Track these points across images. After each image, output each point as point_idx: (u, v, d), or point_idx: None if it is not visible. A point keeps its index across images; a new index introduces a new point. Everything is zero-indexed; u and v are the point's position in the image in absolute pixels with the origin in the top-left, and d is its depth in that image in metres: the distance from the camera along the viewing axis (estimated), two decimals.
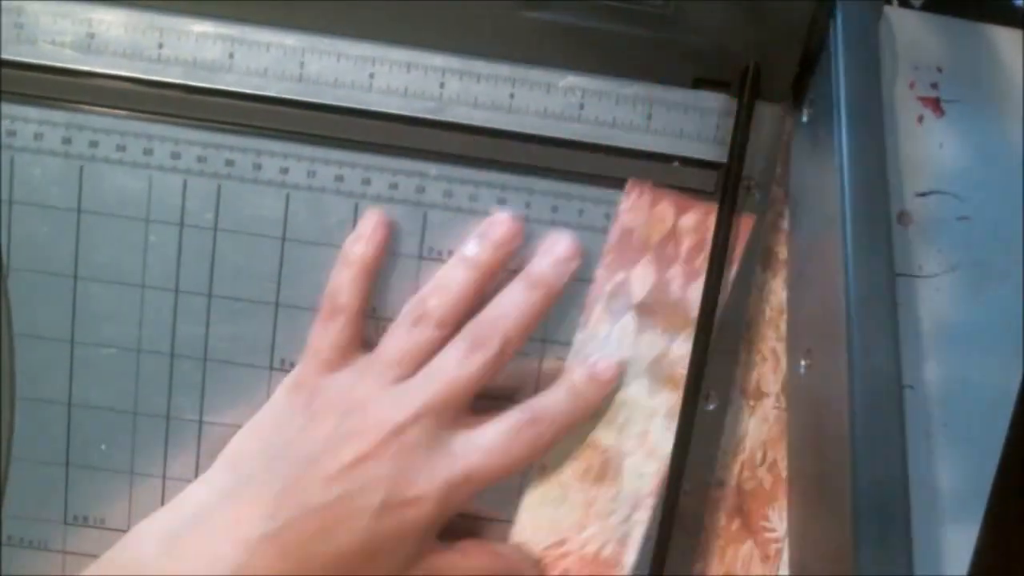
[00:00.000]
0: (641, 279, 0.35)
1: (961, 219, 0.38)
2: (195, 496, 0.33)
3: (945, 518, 0.40)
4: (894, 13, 0.36)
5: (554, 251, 0.34)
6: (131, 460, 0.36)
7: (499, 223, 0.33)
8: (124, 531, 0.33)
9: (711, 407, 0.36)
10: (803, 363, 0.31)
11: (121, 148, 0.34)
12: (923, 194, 0.37)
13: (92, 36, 0.33)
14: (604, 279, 0.35)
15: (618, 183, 0.35)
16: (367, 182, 0.34)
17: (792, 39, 0.33)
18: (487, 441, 0.32)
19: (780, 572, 0.39)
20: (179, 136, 0.34)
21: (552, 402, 0.33)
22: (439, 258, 0.35)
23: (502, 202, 0.35)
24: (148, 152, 0.34)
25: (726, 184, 0.34)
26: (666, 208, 0.34)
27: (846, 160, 0.29)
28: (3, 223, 0.34)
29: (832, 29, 0.32)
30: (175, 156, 0.34)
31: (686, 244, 0.34)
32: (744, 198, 0.35)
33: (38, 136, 0.34)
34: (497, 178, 0.35)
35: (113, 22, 0.33)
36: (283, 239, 0.35)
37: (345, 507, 0.30)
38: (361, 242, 0.33)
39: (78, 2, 0.33)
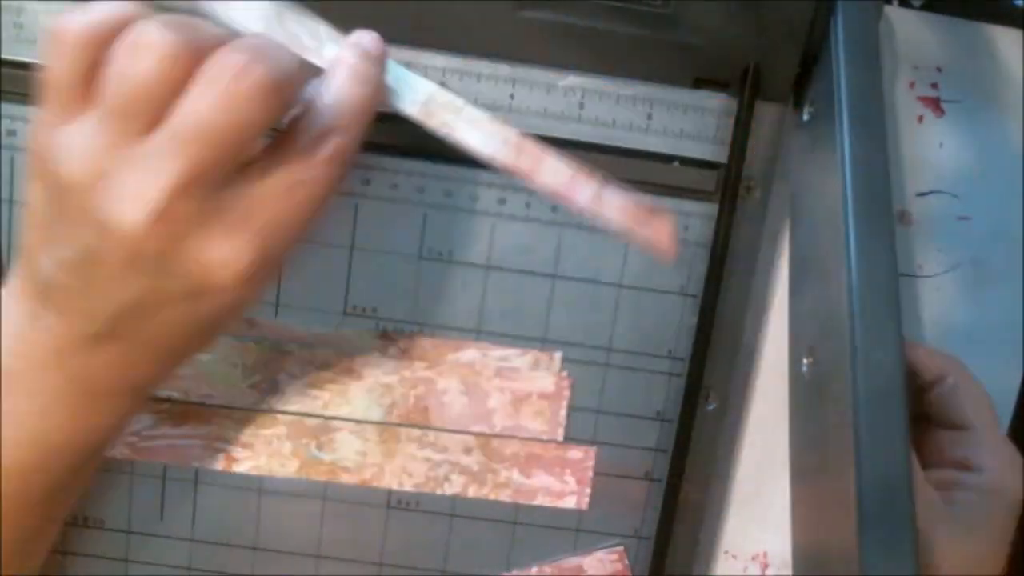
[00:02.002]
0: None
1: (961, 219, 0.38)
2: (17, 292, 0.27)
3: None
4: (894, 13, 0.36)
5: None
6: (131, 461, 0.36)
7: None
8: (124, 531, 0.33)
9: (711, 407, 0.36)
10: (805, 362, 0.31)
11: None
12: (923, 194, 0.38)
13: None
14: None
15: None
16: (367, 182, 0.34)
17: (792, 39, 0.33)
18: (272, 184, 0.26)
19: (783, 572, 0.39)
20: None
21: (329, 98, 0.26)
22: (439, 258, 0.35)
23: (502, 202, 0.35)
24: None
25: (726, 184, 0.34)
26: None
27: (848, 158, 0.29)
28: (3, 223, 0.34)
29: (833, 28, 0.32)
30: None
31: None
32: (744, 198, 0.35)
33: None
34: (497, 178, 0.34)
35: None
36: None
37: (152, 299, 0.26)
38: None
39: (78, 2, 0.33)
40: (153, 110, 0.24)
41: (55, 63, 0.25)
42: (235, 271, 0.26)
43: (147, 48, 0.24)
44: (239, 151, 0.25)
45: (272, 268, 0.27)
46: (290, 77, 0.25)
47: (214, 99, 0.24)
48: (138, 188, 0.24)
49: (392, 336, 0.35)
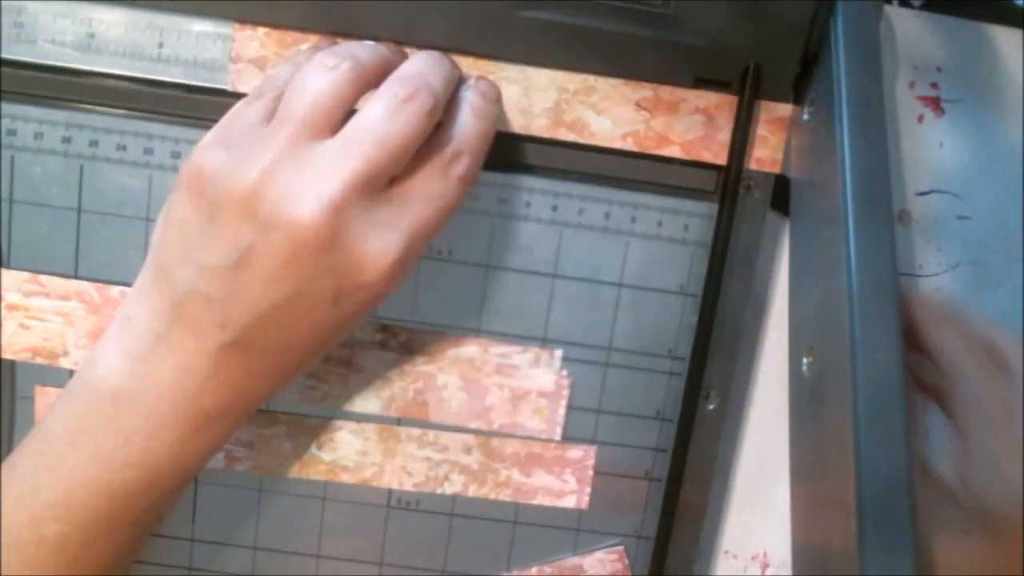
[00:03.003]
0: None
1: (961, 218, 0.38)
2: (143, 314, 0.29)
3: None
4: (894, 13, 0.36)
5: None
6: None
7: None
8: None
9: (711, 407, 0.36)
10: (805, 361, 0.31)
11: (121, 148, 0.34)
12: (923, 193, 0.38)
13: (92, 36, 0.33)
14: None
15: (618, 183, 0.35)
16: None
17: (792, 39, 0.33)
18: (417, 193, 0.29)
19: (783, 572, 0.39)
20: (179, 136, 0.34)
21: (461, 128, 0.30)
22: (439, 258, 0.35)
23: (502, 202, 0.35)
24: (148, 152, 0.34)
25: (726, 184, 0.34)
26: None
27: (848, 158, 0.29)
28: (3, 223, 0.34)
29: (833, 28, 0.32)
30: (175, 156, 0.34)
31: None
32: (744, 198, 0.35)
33: (38, 135, 0.34)
34: (497, 178, 0.35)
35: (113, 22, 0.33)
36: None
37: (297, 303, 0.28)
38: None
39: (78, 2, 0.33)
40: (325, 121, 0.28)
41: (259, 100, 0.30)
42: (388, 263, 0.28)
43: (323, 68, 0.28)
44: (402, 159, 0.28)
45: (409, 268, 0.29)
46: (442, 100, 0.29)
47: (388, 113, 0.28)
48: (315, 184, 0.27)
49: (393, 330, 0.35)
